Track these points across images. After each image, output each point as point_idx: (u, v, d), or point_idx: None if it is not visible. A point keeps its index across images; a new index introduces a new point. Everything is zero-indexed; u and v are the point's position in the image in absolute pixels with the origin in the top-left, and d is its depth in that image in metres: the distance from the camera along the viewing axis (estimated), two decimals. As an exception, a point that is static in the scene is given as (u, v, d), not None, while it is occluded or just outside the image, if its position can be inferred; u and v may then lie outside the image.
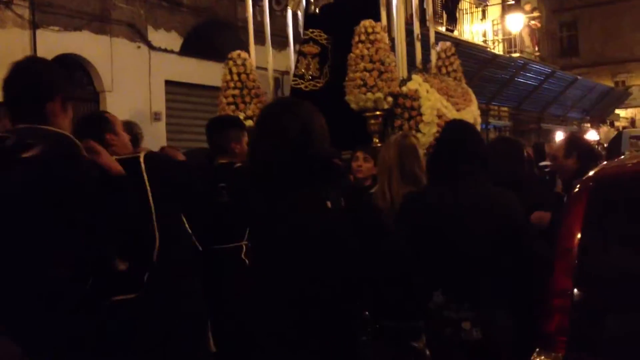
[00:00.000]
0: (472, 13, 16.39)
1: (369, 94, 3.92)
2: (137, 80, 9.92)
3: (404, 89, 4.08)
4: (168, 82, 10.43)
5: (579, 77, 18.78)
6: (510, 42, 18.05)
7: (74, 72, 9.32)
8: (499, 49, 17.33)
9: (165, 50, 10.39)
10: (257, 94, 4.54)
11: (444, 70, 4.52)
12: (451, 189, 2.55)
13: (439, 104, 3.93)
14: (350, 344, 1.66)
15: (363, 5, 4.45)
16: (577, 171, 3.33)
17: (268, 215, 1.69)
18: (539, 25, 19.17)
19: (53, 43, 8.79)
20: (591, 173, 2.25)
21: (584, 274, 1.99)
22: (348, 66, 4.14)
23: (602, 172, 2.29)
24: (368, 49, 3.99)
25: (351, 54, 4.12)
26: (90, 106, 9.38)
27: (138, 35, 10.04)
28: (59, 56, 8.75)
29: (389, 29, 4.36)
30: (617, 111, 24.29)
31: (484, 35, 17.04)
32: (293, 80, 4.72)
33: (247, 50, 11.41)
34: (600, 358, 1.88)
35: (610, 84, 25.33)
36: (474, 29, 16.36)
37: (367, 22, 4.12)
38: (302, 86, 4.58)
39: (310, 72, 4.53)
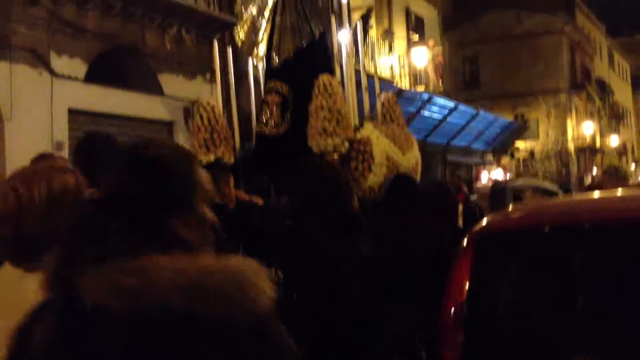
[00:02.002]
0: (379, 47, 18.03)
1: (329, 140, 5.02)
2: (38, 108, 10.18)
3: (358, 135, 5.20)
4: (72, 111, 10.75)
5: (480, 111, 20.97)
6: (415, 76, 19.94)
7: (-30, 100, 9.51)
8: (405, 83, 19.10)
9: (69, 77, 10.73)
10: (226, 137, 5.43)
11: (387, 117, 5.66)
12: (393, 222, 3.60)
13: (387, 148, 5.06)
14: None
15: (319, 61, 5.53)
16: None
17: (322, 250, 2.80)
18: (441, 59, 21.31)
19: (-54, 69, 8.98)
20: (477, 227, 2.52)
21: (473, 325, 2.20)
22: (309, 115, 5.18)
23: (487, 227, 2.53)
24: (327, 100, 5.05)
25: (312, 104, 5.16)
26: (-13, 134, 9.60)
27: (40, 61, 10.35)
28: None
29: (342, 81, 5.44)
30: (517, 143, 26.94)
31: (391, 69, 18.77)
32: (257, 126, 5.70)
33: (155, 79, 12.01)
34: None
35: (511, 116, 28.17)
36: (381, 62, 18.01)
37: (324, 77, 5.21)
38: (266, 131, 5.58)
39: (273, 119, 5.52)
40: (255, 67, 6.00)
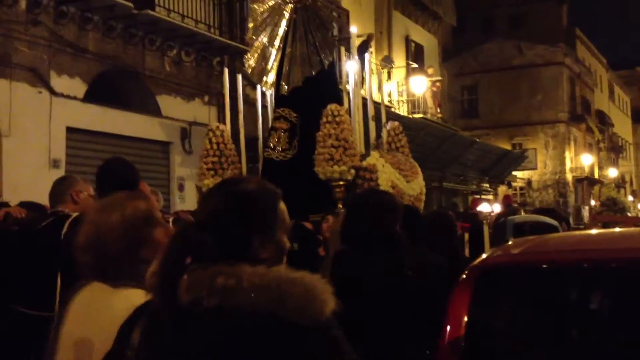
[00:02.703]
0: (380, 72, 18.41)
1: (335, 167, 5.29)
2: (36, 125, 10.40)
3: (364, 163, 5.47)
4: (70, 129, 10.97)
5: (477, 140, 21.35)
6: (414, 103, 20.33)
7: (-31, 115, 9.73)
8: (403, 110, 19.48)
9: (68, 97, 10.98)
10: (233, 161, 5.67)
11: (393, 146, 5.93)
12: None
13: (392, 176, 5.30)
14: None
15: (328, 90, 5.82)
16: None
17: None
18: (440, 87, 21.75)
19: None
20: (477, 262, 2.56)
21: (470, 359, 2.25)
22: (317, 142, 5.45)
23: (488, 261, 2.59)
24: (334, 128, 5.34)
25: (320, 132, 5.45)
26: (-15, 150, 9.80)
27: (40, 80, 10.61)
28: (-47, 100, 9.21)
29: (349, 110, 5.71)
30: (514, 172, 27.29)
31: (389, 95, 19.16)
32: (265, 151, 6.00)
33: (154, 100, 12.28)
34: None
35: (508, 146, 28.63)
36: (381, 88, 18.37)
37: (333, 106, 5.49)
38: (274, 156, 5.84)
39: (280, 145, 5.78)
40: (263, 94, 6.27)
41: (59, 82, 10.91)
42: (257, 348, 1.42)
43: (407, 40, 22.35)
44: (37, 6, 10.43)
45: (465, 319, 2.31)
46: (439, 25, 25.25)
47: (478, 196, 22.76)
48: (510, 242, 3.34)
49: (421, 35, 23.67)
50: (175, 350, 1.46)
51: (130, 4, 11.26)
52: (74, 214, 3.45)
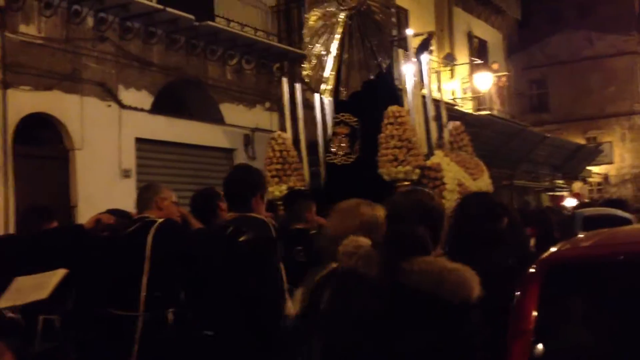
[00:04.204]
0: (440, 71, 18.43)
1: (400, 167, 5.48)
2: (107, 138, 11.01)
3: (429, 162, 5.62)
4: (139, 140, 11.55)
5: (547, 135, 20.98)
6: (479, 100, 20.21)
7: (44, 130, 10.36)
8: (468, 107, 19.39)
9: (136, 109, 11.56)
10: (296, 167, 5.96)
11: (455, 146, 6.07)
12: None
13: (458, 174, 5.46)
14: None
15: (387, 92, 6.03)
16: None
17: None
18: (506, 83, 21.52)
19: (23, 102, 9.83)
20: (546, 255, 2.56)
21: (539, 356, 2.26)
22: (380, 144, 5.66)
23: (557, 255, 2.59)
24: (397, 129, 5.52)
25: (382, 134, 5.65)
26: (60, 164, 10.42)
27: (109, 94, 11.21)
28: (29, 115, 9.84)
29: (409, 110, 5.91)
30: (589, 167, 26.61)
31: (453, 93, 19.14)
32: (327, 156, 6.27)
33: (217, 108, 12.71)
34: None
35: (582, 140, 27.95)
36: (442, 87, 18.37)
37: (394, 108, 5.72)
38: (336, 161, 6.11)
39: (342, 149, 6.05)
40: (321, 99, 6.50)
41: (127, 95, 11.49)
42: (422, 317, 2.02)
43: (470, 36, 22.24)
44: (103, 23, 11.03)
45: (535, 313, 2.32)
46: (503, 20, 24.99)
47: (559, 194, 22.33)
48: (579, 236, 3.31)
49: (484, 31, 23.50)
50: (372, 304, 2.11)
51: (192, 17, 11.75)
52: (160, 220, 3.80)
